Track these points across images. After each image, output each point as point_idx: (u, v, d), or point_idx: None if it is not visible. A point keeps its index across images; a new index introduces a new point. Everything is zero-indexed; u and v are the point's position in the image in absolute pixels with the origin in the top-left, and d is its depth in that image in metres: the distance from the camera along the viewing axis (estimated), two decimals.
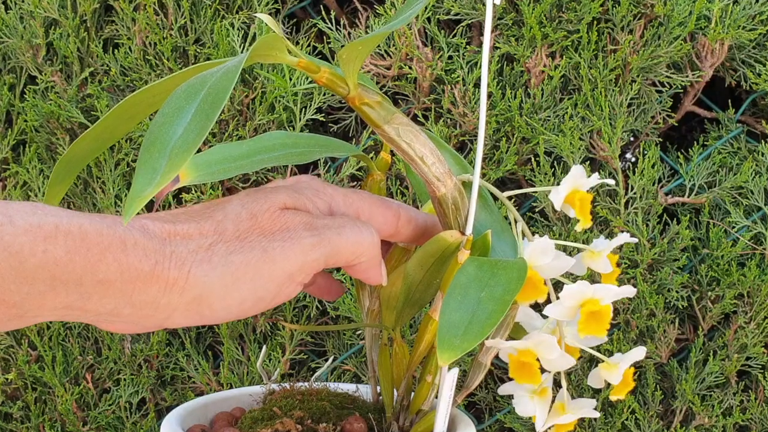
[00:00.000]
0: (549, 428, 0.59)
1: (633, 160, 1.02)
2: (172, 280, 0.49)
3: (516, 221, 0.59)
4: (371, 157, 0.64)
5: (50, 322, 1.03)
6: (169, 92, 0.48)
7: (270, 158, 0.60)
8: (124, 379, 1.02)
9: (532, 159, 0.98)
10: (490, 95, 0.97)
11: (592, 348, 0.59)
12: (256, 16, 0.99)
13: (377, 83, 1.01)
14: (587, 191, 0.59)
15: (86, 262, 0.47)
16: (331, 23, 1.01)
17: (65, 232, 0.47)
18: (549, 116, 0.97)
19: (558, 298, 0.56)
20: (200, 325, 1.04)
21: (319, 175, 0.99)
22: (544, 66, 0.97)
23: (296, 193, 0.55)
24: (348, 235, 0.54)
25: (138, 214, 0.47)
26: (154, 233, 0.50)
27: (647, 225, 0.97)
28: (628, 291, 0.56)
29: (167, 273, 0.49)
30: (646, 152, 0.98)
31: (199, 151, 1.00)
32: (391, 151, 0.59)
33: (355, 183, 1.00)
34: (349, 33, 1.01)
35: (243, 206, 0.52)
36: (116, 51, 1.01)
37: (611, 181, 0.61)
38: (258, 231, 0.52)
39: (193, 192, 0.99)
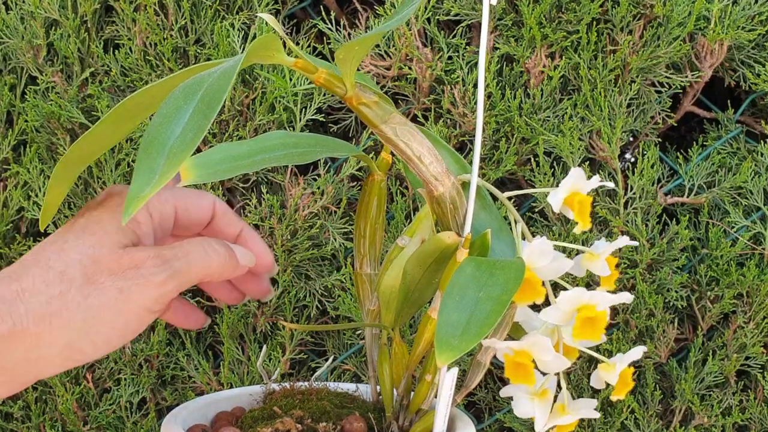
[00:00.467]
0: (550, 429, 0.59)
1: (632, 160, 1.02)
2: (35, 336, 0.51)
3: (516, 222, 0.59)
4: (371, 158, 0.64)
5: None
6: (168, 93, 0.48)
7: (271, 158, 0.60)
8: (125, 379, 1.02)
9: (532, 159, 0.98)
10: (489, 95, 0.97)
11: (591, 349, 0.59)
12: (258, 16, 0.99)
13: (377, 83, 1.01)
14: (587, 193, 0.59)
15: None
16: (331, 24, 1.01)
17: None
18: (548, 116, 0.97)
19: (557, 299, 0.56)
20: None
21: (319, 176, 1.00)
22: (544, 66, 0.97)
23: (124, 227, 0.54)
24: (197, 262, 0.55)
25: None
26: (3, 296, 0.51)
27: (646, 225, 0.97)
28: (625, 298, 0.56)
29: (28, 330, 0.50)
30: (645, 152, 0.98)
31: (198, 150, 1.00)
32: (392, 151, 0.59)
33: (355, 183, 1.01)
34: (349, 33, 1.01)
35: (81, 254, 0.53)
36: (117, 51, 1.02)
37: (611, 184, 0.61)
38: (107, 272, 0.53)
39: None
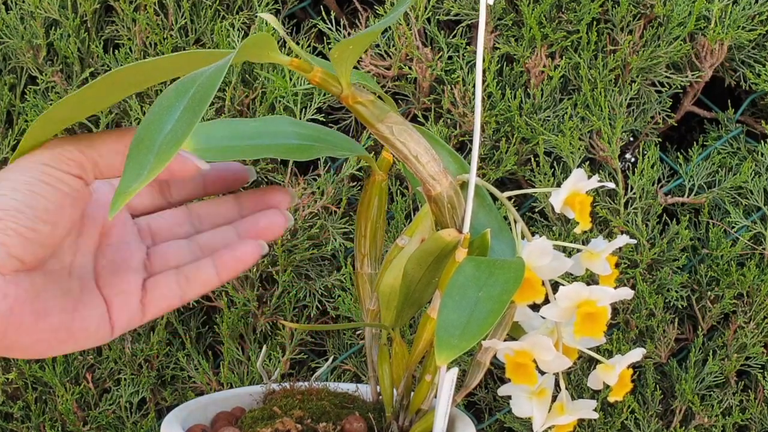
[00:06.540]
0: (549, 428, 0.59)
1: (633, 160, 1.02)
2: None
3: (515, 221, 0.59)
4: (372, 157, 0.64)
5: None
6: (156, 72, 0.48)
7: (272, 147, 0.58)
8: (125, 379, 1.03)
9: (532, 159, 0.98)
10: (489, 95, 0.97)
11: (590, 349, 0.59)
12: (258, 16, 0.99)
13: (377, 83, 1.01)
14: (586, 193, 0.59)
15: None
16: (331, 24, 1.01)
17: None
18: (549, 116, 0.97)
19: (556, 295, 0.56)
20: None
21: (319, 176, 1.00)
22: (544, 66, 0.97)
23: None
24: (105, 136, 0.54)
25: None
26: None
27: (647, 225, 0.97)
28: (625, 293, 0.56)
29: None
30: (645, 152, 0.98)
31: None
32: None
33: (356, 183, 1.01)
34: (349, 33, 1.01)
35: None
36: (117, 51, 1.02)
37: (611, 184, 0.61)
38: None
39: None
